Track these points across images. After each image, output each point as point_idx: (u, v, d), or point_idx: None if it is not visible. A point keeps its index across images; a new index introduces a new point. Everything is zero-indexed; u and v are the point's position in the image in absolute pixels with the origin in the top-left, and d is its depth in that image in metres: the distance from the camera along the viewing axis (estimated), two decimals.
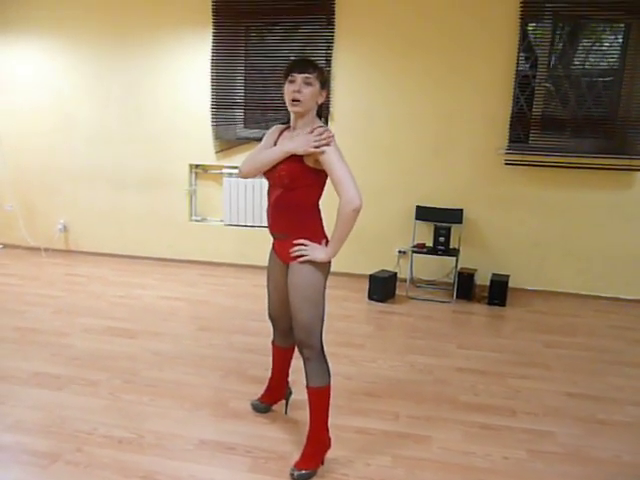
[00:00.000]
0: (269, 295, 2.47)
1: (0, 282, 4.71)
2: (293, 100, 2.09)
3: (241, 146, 5.27)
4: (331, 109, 4.96)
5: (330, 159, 2.05)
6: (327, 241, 2.22)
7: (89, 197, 5.71)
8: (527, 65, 4.67)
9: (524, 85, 4.65)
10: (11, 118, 5.69)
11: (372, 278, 4.64)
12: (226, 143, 5.30)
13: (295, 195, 2.15)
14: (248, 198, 5.34)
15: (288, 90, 2.10)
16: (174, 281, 4.95)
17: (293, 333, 2.24)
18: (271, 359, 2.63)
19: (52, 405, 2.67)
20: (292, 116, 2.19)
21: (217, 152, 5.32)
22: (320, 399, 2.21)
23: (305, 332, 2.17)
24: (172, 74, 5.29)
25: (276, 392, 2.66)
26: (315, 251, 2.15)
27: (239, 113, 5.28)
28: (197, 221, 5.59)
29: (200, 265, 5.48)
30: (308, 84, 2.08)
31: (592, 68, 4.68)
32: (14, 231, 5.85)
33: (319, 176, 2.14)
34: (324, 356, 2.23)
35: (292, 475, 2.16)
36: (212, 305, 4.31)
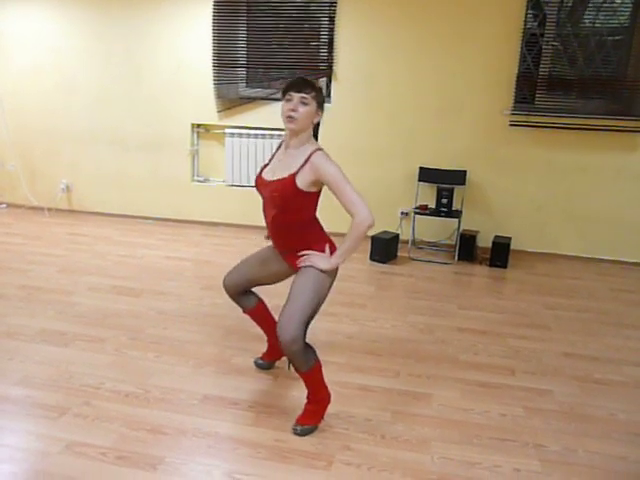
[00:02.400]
0: (242, 268, 2.50)
1: (4, 241, 4.74)
2: (288, 117, 2.12)
3: (243, 105, 5.20)
4: (334, 69, 4.87)
5: (336, 182, 2.10)
6: (331, 244, 2.25)
7: (91, 158, 5.68)
8: (535, 23, 4.56)
9: (531, 44, 4.55)
10: (11, 78, 5.61)
11: (374, 239, 4.65)
12: (228, 102, 5.23)
13: (290, 216, 2.20)
14: (250, 158, 5.30)
15: (284, 108, 2.13)
16: (177, 241, 4.97)
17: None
18: (256, 324, 2.69)
19: (59, 361, 2.72)
20: (287, 133, 2.21)
21: (219, 111, 5.25)
22: (312, 377, 2.24)
23: (291, 321, 2.08)
24: (173, 32, 5.17)
25: (276, 350, 2.70)
26: (320, 261, 2.17)
27: (241, 72, 5.19)
28: (199, 182, 5.57)
29: (203, 225, 5.49)
30: (305, 104, 2.12)
31: (602, 26, 4.56)
32: (17, 191, 5.85)
33: (312, 197, 2.19)
34: (306, 342, 2.14)
35: (295, 430, 2.22)
36: (215, 265, 4.34)
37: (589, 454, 2.19)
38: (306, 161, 2.13)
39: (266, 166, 2.33)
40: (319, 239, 2.27)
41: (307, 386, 2.26)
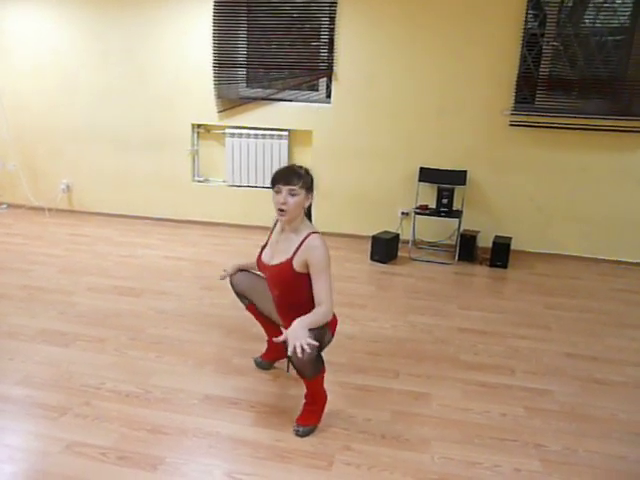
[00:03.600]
0: (255, 285, 2.56)
1: (5, 241, 4.74)
2: (279, 210, 2.20)
3: (243, 105, 5.20)
4: (335, 69, 4.87)
5: (318, 269, 2.16)
6: (333, 319, 2.26)
7: (92, 157, 5.68)
8: (535, 23, 4.56)
9: (532, 44, 4.55)
10: (12, 77, 5.60)
11: (374, 239, 4.65)
12: (228, 102, 5.23)
13: (293, 296, 2.25)
14: (251, 158, 5.30)
15: (274, 200, 2.21)
16: (177, 241, 4.97)
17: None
18: (257, 321, 2.70)
19: (60, 361, 2.72)
20: (280, 222, 2.31)
21: (219, 112, 5.25)
22: (316, 383, 2.25)
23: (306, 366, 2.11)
24: (173, 32, 5.17)
25: (276, 350, 2.70)
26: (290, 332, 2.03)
27: (241, 72, 5.19)
28: (200, 182, 5.58)
29: (203, 225, 5.49)
30: (293, 195, 2.18)
31: (602, 26, 4.55)
32: (18, 191, 5.85)
33: (309, 278, 2.22)
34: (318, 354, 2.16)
35: (297, 432, 2.22)
36: (215, 265, 4.34)
37: (590, 454, 2.19)
38: (301, 244, 2.20)
39: (265, 246, 2.42)
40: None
41: (307, 389, 2.26)
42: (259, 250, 2.44)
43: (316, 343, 1.99)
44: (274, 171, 2.26)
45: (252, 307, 2.65)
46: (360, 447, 2.16)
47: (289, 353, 1.95)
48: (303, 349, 1.92)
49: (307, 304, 2.18)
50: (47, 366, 2.67)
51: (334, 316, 2.26)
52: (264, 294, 2.51)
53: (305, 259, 2.18)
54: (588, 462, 2.14)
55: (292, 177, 2.20)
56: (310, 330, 2.01)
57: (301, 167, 2.28)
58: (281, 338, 2.02)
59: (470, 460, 2.11)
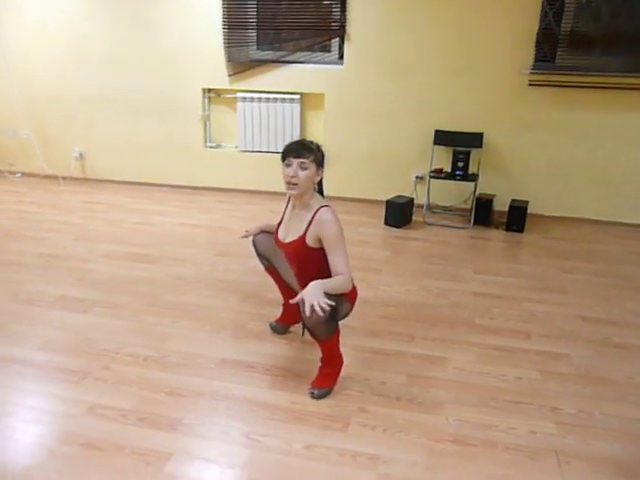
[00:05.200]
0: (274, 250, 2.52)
1: (20, 210, 4.78)
2: (289, 184, 2.18)
3: (254, 69, 5.11)
4: (347, 29, 4.74)
5: (332, 243, 2.14)
6: (354, 289, 2.25)
7: (103, 125, 5.65)
8: None
9: None
10: (21, 45, 5.54)
11: (388, 204, 4.61)
12: (239, 66, 5.14)
13: (311, 271, 2.20)
14: (263, 123, 5.24)
15: (284, 173, 2.19)
16: (191, 208, 4.97)
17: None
18: (275, 283, 2.71)
19: (79, 327, 2.77)
20: (292, 197, 2.29)
21: (230, 75, 5.17)
22: (331, 344, 2.26)
23: (320, 329, 2.13)
24: None
25: (291, 314, 2.71)
26: (307, 292, 2.01)
27: (252, 34, 5.08)
28: (212, 147, 5.54)
29: (216, 192, 5.48)
30: (304, 168, 2.16)
31: None
32: (31, 159, 5.86)
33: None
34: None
35: (312, 394, 2.24)
36: (229, 231, 4.35)
37: (605, 417, 2.19)
38: (312, 219, 2.19)
39: (280, 223, 2.42)
40: None
41: (322, 352, 2.28)
42: (275, 229, 2.43)
43: (332, 303, 1.98)
44: (285, 145, 2.24)
45: (270, 269, 2.65)
46: (375, 409, 2.18)
47: (305, 313, 1.95)
48: (316, 309, 1.91)
49: (325, 275, 2.17)
50: (66, 332, 2.71)
51: (354, 288, 2.26)
52: (285, 261, 2.51)
53: (317, 234, 2.17)
54: (604, 425, 2.14)
55: (303, 150, 2.17)
56: (326, 294, 2.00)
57: (312, 142, 2.26)
58: (297, 298, 2.01)
59: (485, 423, 2.12)
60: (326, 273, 2.17)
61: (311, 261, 2.23)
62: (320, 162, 2.23)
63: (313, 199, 2.25)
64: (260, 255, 2.64)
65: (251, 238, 2.63)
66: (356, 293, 2.31)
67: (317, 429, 2.06)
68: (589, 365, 2.56)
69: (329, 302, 1.95)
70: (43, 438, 1.96)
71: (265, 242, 2.58)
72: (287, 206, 2.42)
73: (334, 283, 2.08)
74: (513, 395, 2.31)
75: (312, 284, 2.02)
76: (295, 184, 2.17)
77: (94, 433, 1.99)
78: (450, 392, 2.31)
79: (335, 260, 2.13)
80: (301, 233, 2.22)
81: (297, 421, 2.10)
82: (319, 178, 2.26)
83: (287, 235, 2.32)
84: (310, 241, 2.20)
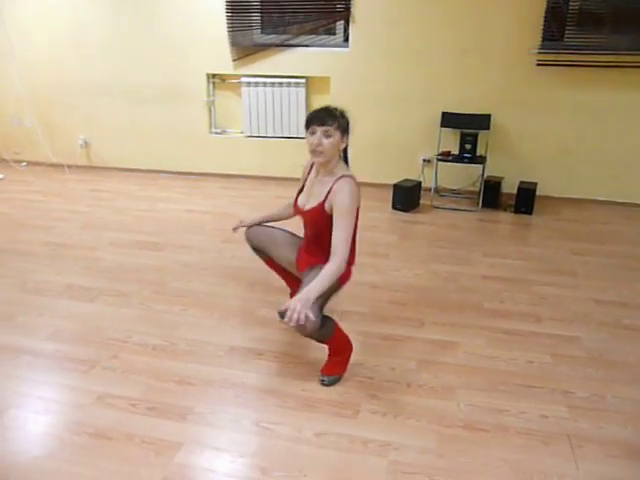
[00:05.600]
0: (267, 236, 2.53)
1: (27, 199, 4.77)
2: (314, 152, 2.14)
3: (259, 53, 5.05)
4: (352, 10, 4.66)
5: (342, 214, 2.08)
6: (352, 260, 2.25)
7: (107, 112, 5.61)
8: None
9: None
10: (22, 33, 5.48)
11: (396, 187, 4.57)
12: (243, 50, 5.07)
13: (325, 238, 2.14)
14: (268, 108, 5.19)
15: (309, 141, 2.14)
16: (197, 194, 4.95)
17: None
18: (277, 275, 2.70)
19: (87, 316, 2.77)
20: (316, 163, 2.25)
21: (234, 60, 5.11)
22: (333, 341, 2.24)
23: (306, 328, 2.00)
24: None
25: None
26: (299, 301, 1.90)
27: (256, 17, 5.01)
28: (217, 133, 5.50)
29: (222, 178, 5.45)
30: (328, 136, 2.11)
31: None
32: (36, 148, 5.85)
33: None
34: (323, 322, 2.09)
35: (322, 381, 2.23)
36: (235, 217, 4.25)
37: (618, 400, 2.17)
38: (332, 186, 2.15)
39: (300, 192, 2.38)
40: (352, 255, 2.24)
41: (329, 348, 2.27)
42: (295, 195, 2.40)
43: (313, 319, 1.84)
44: (309, 113, 2.19)
45: (270, 261, 2.64)
46: (386, 396, 2.17)
47: (285, 321, 1.84)
48: (299, 319, 1.80)
49: None
50: (75, 321, 2.71)
51: (349, 270, 2.24)
52: (280, 246, 2.49)
53: (332, 202, 2.13)
54: (616, 408, 2.12)
55: (327, 118, 2.12)
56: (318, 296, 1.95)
57: (336, 109, 2.19)
58: (283, 307, 1.88)
59: (496, 407, 2.11)
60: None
61: (328, 228, 2.16)
62: (345, 129, 2.18)
63: (337, 167, 2.21)
64: (256, 249, 2.62)
65: (244, 236, 2.61)
66: (349, 275, 2.28)
67: (327, 416, 2.05)
68: (601, 348, 2.54)
69: (311, 317, 1.82)
70: (53, 428, 1.97)
71: (258, 234, 2.56)
72: (308, 174, 2.37)
73: (324, 279, 1.97)
74: (524, 379, 2.29)
75: (304, 292, 1.91)
76: (320, 152, 2.13)
77: (103, 423, 1.99)
78: (460, 377, 2.30)
79: (336, 233, 2.08)
80: (321, 200, 2.19)
81: (307, 408, 2.09)
82: (344, 145, 2.21)
83: (308, 201, 2.28)
84: (329, 209, 2.16)
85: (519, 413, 2.08)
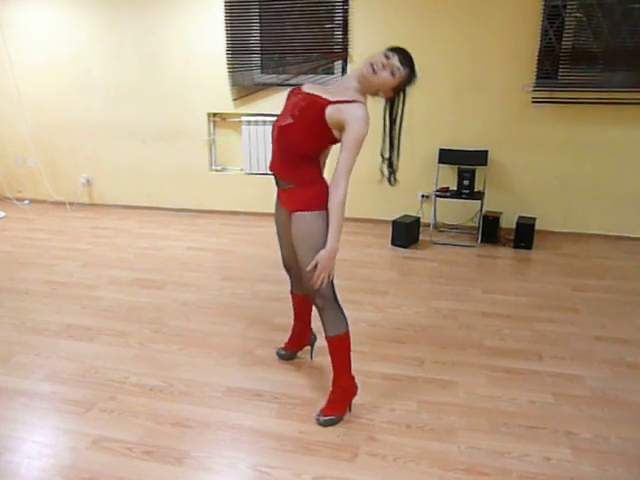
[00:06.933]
0: (280, 245, 2.46)
1: (28, 237, 4.80)
2: (369, 66, 2.00)
3: (259, 92, 5.15)
4: (350, 51, 4.77)
5: (350, 141, 1.98)
6: (326, 187, 2.09)
7: (110, 151, 5.70)
8: None
9: (553, 16, 4.38)
10: (28, 74, 5.63)
11: (395, 223, 4.59)
12: (243, 90, 5.18)
13: (296, 135, 2.05)
14: (268, 145, 5.26)
15: (377, 59, 2.00)
16: (197, 231, 4.97)
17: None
18: (292, 308, 2.65)
19: (85, 356, 2.75)
20: (356, 75, 2.08)
21: (235, 99, 5.21)
22: (339, 347, 2.21)
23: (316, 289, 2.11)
24: (186, 20, 5.12)
25: (300, 339, 2.69)
26: (322, 258, 2.04)
27: (255, 58, 5.13)
28: (217, 171, 5.56)
29: (222, 215, 5.49)
30: (392, 73, 2.00)
31: None
32: (39, 186, 5.92)
33: (326, 135, 2.03)
34: (338, 304, 2.19)
35: (318, 420, 2.20)
36: (235, 254, 4.34)
37: (622, 441, 2.13)
38: (348, 102, 1.98)
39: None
40: (316, 181, 2.13)
41: (332, 357, 2.21)
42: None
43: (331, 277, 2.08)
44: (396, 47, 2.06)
45: (295, 295, 2.58)
46: (385, 438, 2.13)
47: (312, 282, 2.05)
48: (323, 282, 2.03)
49: (302, 155, 2.08)
50: (72, 361, 2.69)
51: (326, 186, 2.09)
52: (280, 236, 2.46)
53: (341, 120, 1.97)
54: (621, 450, 2.08)
55: (406, 60, 2.00)
56: (308, 224, 2.07)
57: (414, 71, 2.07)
58: (310, 267, 2.05)
59: (498, 449, 2.07)
60: (306, 154, 2.07)
61: (305, 125, 2.01)
62: (401, 88, 2.06)
63: (361, 93, 2.05)
64: (286, 268, 2.52)
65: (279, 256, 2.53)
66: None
67: (325, 459, 2.01)
68: (604, 387, 2.50)
69: (331, 277, 2.07)
70: (46, 473, 1.93)
71: (288, 253, 2.43)
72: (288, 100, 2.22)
73: (337, 224, 2.01)
74: (526, 420, 2.25)
75: (327, 251, 2.02)
76: (375, 72, 1.98)
77: (98, 467, 1.95)
78: (461, 418, 2.26)
79: (342, 158, 1.98)
80: (331, 99, 1.98)
81: (305, 451, 2.05)
82: (389, 95, 2.08)
83: (313, 91, 2.09)
84: (329, 112, 1.97)
85: (522, 455, 2.04)
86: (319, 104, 1.99)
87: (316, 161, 2.15)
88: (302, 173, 2.11)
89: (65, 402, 2.35)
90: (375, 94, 2.09)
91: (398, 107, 2.15)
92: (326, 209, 2.04)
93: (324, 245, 2.05)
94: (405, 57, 2.02)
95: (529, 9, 4.40)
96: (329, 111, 1.97)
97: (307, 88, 2.12)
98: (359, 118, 1.98)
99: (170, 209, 5.66)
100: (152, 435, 2.14)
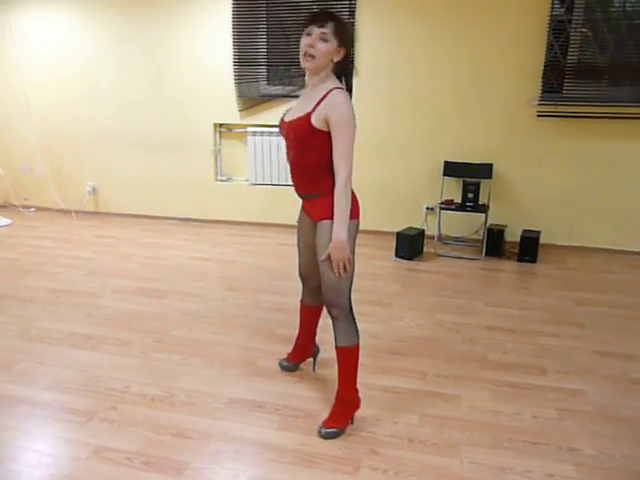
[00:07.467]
0: (300, 254, 2.45)
1: (34, 244, 4.82)
2: (305, 54, 1.99)
3: (265, 104, 5.18)
4: (355, 64, 4.81)
5: (340, 127, 1.96)
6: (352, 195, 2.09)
7: (116, 160, 5.74)
8: (562, 9, 4.41)
9: (559, 31, 4.40)
10: (39, 86, 5.70)
11: (399, 236, 4.59)
12: (249, 101, 5.22)
13: (307, 157, 2.08)
14: (273, 157, 5.28)
15: (303, 43, 1.99)
16: (202, 241, 4.99)
17: (322, 292, 2.22)
18: (298, 317, 2.64)
19: (87, 364, 2.75)
20: (306, 72, 2.09)
21: (240, 110, 5.24)
22: (349, 358, 2.22)
23: (333, 292, 2.14)
24: (193, 32, 5.18)
25: (303, 351, 2.68)
26: (332, 249, 2.05)
27: (262, 70, 5.17)
28: (223, 181, 5.59)
29: (227, 225, 5.50)
30: (324, 40, 1.97)
31: (633, 9, 4.39)
32: (45, 194, 5.96)
33: (328, 137, 2.02)
34: (353, 316, 2.22)
35: (319, 432, 2.19)
36: (239, 265, 4.34)
37: (626, 458, 2.10)
38: (323, 98, 1.98)
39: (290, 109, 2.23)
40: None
41: (339, 368, 2.21)
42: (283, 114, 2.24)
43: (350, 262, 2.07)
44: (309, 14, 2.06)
45: (305, 305, 2.57)
46: (387, 451, 2.12)
47: (333, 273, 2.07)
48: (341, 271, 2.04)
49: (320, 169, 2.06)
50: (74, 370, 2.69)
51: (354, 198, 2.09)
52: (301, 247, 2.41)
53: (325, 115, 1.96)
54: (625, 467, 2.05)
55: (326, 20, 1.96)
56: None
57: (340, 17, 2.04)
58: (323, 257, 2.07)
59: (500, 465, 2.05)
60: (320, 162, 2.04)
61: (309, 144, 2.03)
62: (343, 39, 2.00)
63: (329, 78, 2.04)
64: (302, 277, 2.51)
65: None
66: (357, 203, 2.13)
67: (327, 472, 2.00)
68: (607, 403, 2.48)
69: (350, 261, 2.06)
70: None
71: (307, 263, 2.42)
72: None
73: (342, 212, 1.99)
74: (529, 435, 2.24)
75: (336, 238, 2.01)
76: (312, 56, 1.97)
77: (98, 477, 1.95)
78: (464, 432, 2.25)
79: (336, 149, 1.97)
80: (308, 110, 2.00)
81: (306, 464, 2.04)
82: (338, 58, 2.03)
83: (293, 115, 2.10)
84: (316, 121, 1.98)
85: (524, 472, 2.02)
86: (304, 122, 2.02)
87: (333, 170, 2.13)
88: (325, 183, 2.09)
89: (66, 411, 2.35)
90: (339, 64, 2.05)
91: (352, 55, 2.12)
92: (351, 218, 2.05)
93: (351, 271, 2.11)
94: (322, 18, 1.98)
95: (535, 24, 4.43)
96: (314, 119, 1.99)
97: (287, 117, 2.16)
98: (338, 103, 1.97)
99: (175, 218, 5.69)
100: (152, 445, 2.13)
